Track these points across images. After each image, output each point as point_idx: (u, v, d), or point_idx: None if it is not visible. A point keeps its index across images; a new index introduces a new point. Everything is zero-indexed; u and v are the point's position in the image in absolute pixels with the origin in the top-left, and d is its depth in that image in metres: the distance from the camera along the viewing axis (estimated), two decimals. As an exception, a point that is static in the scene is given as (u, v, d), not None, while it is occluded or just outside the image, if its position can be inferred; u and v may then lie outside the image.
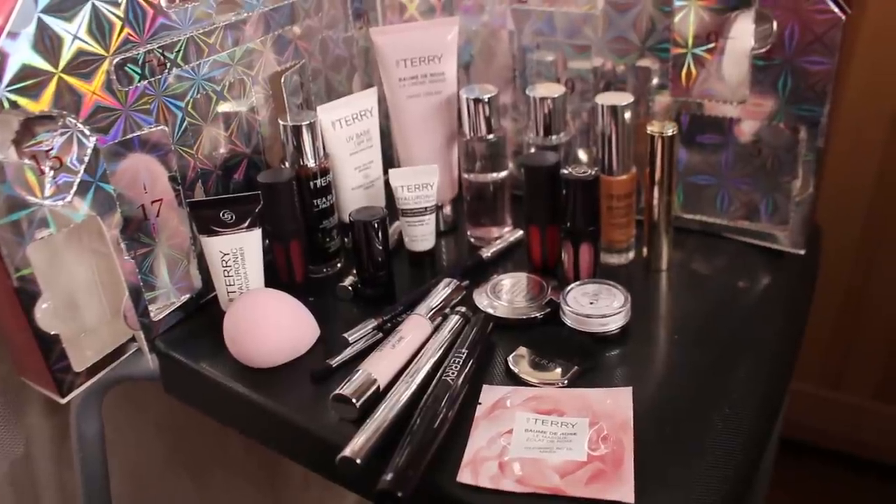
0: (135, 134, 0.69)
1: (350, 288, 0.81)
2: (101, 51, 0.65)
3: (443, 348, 0.70)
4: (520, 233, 0.89)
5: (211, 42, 0.74)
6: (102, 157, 0.67)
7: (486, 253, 0.86)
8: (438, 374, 0.66)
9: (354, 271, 0.82)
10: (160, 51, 0.70)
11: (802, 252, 0.83)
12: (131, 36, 0.67)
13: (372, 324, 0.75)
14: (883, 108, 1.23)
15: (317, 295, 0.83)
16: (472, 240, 0.91)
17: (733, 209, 0.86)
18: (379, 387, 0.66)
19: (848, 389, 1.50)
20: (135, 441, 1.02)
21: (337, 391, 0.64)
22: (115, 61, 0.66)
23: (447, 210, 0.93)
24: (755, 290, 0.80)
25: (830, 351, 1.47)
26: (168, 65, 0.71)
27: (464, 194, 0.90)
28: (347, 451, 0.58)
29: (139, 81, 0.68)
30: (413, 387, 0.65)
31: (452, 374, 0.65)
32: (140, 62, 0.68)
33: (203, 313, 0.80)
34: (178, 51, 0.71)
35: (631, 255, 0.84)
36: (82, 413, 0.79)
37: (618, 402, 0.64)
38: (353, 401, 0.64)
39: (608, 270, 0.82)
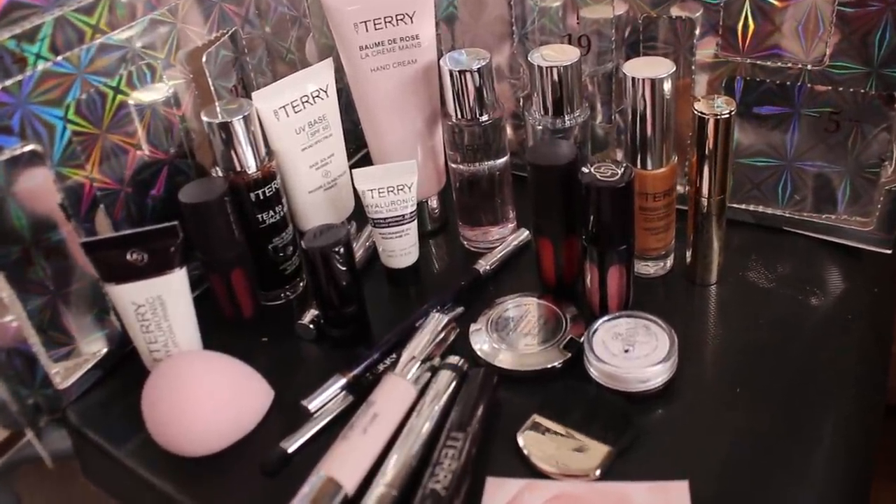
0: (-9, 161, 0.50)
1: (311, 326, 0.64)
2: (-81, 52, 0.45)
3: (432, 423, 0.53)
4: (525, 233, 0.71)
5: (93, 21, 0.54)
6: (-55, 200, 0.48)
7: (485, 266, 0.68)
8: (426, 476, 0.49)
9: (315, 302, 0.64)
10: (14, 42, 0.50)
11: (889, 251, 0.65)
12: (-35, 25, 0.47)
13: (339, 382, 0.58)
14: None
15: (273, 332, 0.65)
16: (466, 243, 0.72)
17: (798, 198, 0.67)
18: (346, 495, 0.49)
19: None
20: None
21: (288, 511, 0.48)
22: (-59, 66, 0.46)
23: (433, 203, 0.74)
24: (829, 305, 0.62)
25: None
26: (31, 59, 0.51)
27: (452, 185, 0.71)
28: None
29: (-13, 89, 0.49)
30: (393, 493, 0.49)
31: (444, 476, 0.48)
32: (-17, 62, 0.48)
33: (127, 367, 0.63)
34: (43, 38, 0.51)
35: (669, 262, 0.66)
36: (-15, 501, 0.63)
37: (670, 506, 0.48)
38: (311, 525, 0.47)
39: (641, 285, 0.64)
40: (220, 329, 0.63)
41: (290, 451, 0.54)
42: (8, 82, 0.50)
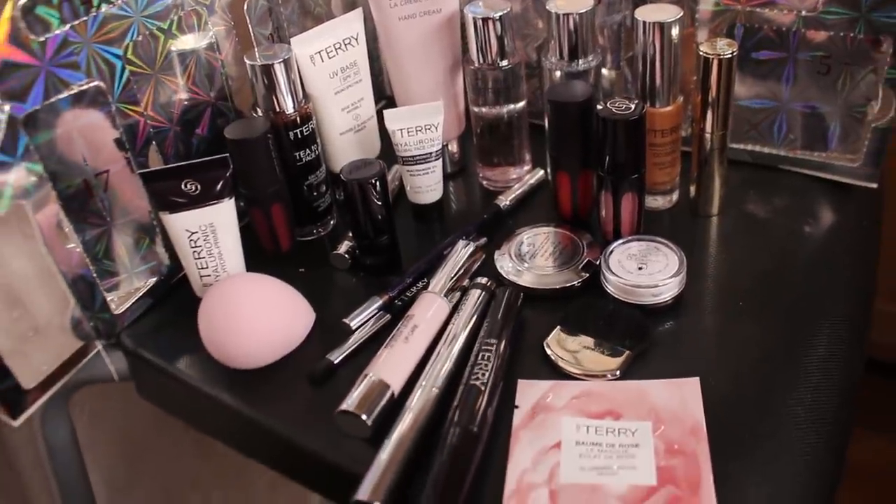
0: (61, 95, 0.55)
1: (346, 256, 0.69)
2: (0, -9, 0.50)
3: (466, 333, 0.58)
4: (541, 173, 0.76)
5: (149, -33, 0.58)
6: (22, 130, 0.53)
7: (505, 201, 0.73)
8: (466, 374, 0.54)
9: (350, 234, 0.69)
10: (82, -16, 0.54)
11: (875, 185, 0.71)
12: (41, -33, 0.52)
13: (377, 303, 0.63)
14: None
15: (308, 263, 0.70)
16: (485, 182, 0.78)
17: (793, 137, 0.72)
18: (393, 394, 0.54)
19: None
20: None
21: (342, 407, 0.53)
22: (20, 3, 0.51)
23: (453, 147, 0.79)
24: (821, 234, 0.68)
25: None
26: (96, 1, 0.55)
27: (472, 129, 0.76)
28: (362, 495, 0.47)
29: (59, 27, 0.53)
30: (435, 390, 0.54)
31: (482, 374, 0.54)
32: (56, 2, 0.53)
33: (175, 296, 0.68)
34: (107, -18, 0.56)
35: (675, 196, 0.72)
36: (47, 422, 0.68)
37: (684, 399, 0.53)
38: (363, 418, 0.52)
39: (650, 217, 0.69)
40: (260, 261, 0.68)
41: (335, 361, 0.59)
42: (76, 22, 0.54)
